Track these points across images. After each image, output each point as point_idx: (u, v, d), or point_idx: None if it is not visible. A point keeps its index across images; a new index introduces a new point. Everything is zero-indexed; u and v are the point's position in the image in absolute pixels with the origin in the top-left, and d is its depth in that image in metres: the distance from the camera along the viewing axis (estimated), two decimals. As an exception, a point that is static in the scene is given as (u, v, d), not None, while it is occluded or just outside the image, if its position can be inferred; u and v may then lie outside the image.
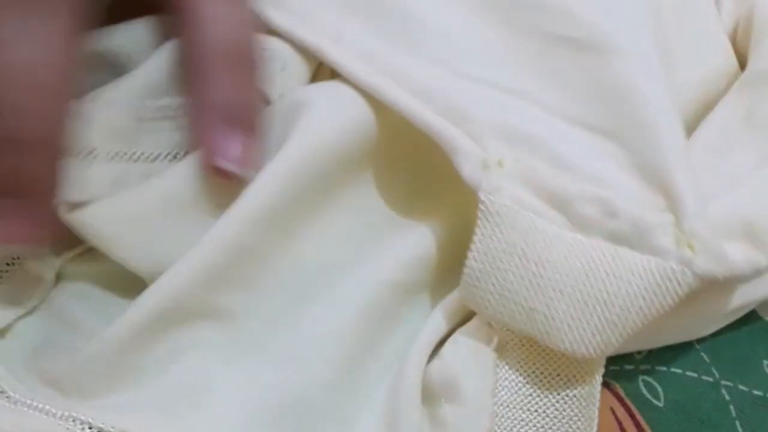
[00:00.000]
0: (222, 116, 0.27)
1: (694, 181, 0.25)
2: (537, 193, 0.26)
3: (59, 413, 0.25)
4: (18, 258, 0.28)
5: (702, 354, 0.29)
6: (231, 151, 0.27)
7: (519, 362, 0.27)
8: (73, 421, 0.25)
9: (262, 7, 0.29)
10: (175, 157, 0.28)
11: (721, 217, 0.26)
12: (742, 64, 0.32)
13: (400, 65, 0.28)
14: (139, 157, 0.28)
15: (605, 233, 0.25)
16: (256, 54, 0.28)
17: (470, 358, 0.27)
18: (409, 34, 0.29)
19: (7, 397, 0.26)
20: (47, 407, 0.26)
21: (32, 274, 0.29)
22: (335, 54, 0.28)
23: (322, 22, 0.29)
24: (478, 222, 0.26)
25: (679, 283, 0.25)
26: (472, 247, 0.26)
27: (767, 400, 0.28)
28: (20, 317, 0.28)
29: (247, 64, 0.28)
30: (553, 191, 0.26)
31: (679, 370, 0.28)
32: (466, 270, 0.26)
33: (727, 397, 0.28)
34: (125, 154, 0.27)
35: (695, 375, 0.28)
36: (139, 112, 0.28)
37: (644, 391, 0.28)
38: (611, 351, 0.25)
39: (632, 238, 0.25)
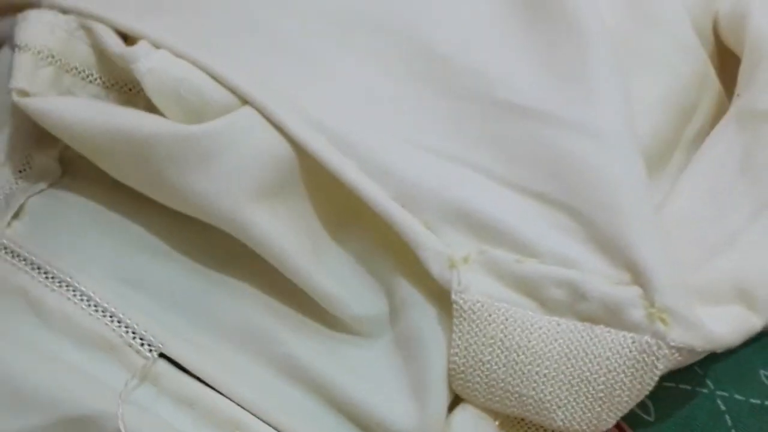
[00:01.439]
0: None
1: (663, 250, 0.26)
2: (506, 283, 0.27)
3: None
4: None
5: (695, 367, 0.29)
6: None
7: None
8: None
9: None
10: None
11: (712, 281, 0.27)
12: (726, 51, 0.32)
13: (347, 133, 0.28)
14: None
15: (578, 314, 0.26)
16: None
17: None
18: (348, 98, 0.29)
19: None
20: None
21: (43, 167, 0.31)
22: (278, 112, 0.28)
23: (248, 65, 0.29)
24: (455, 320, 0.27)
25: (656, 357, 0.25)
26: (453, 344, 0.27)
27: (765, 408, 0.29)
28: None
29: None
30: (521, 278, 0.27)
31: (671, 384, 0.29)
32: (450, 365, 0.27)
33: (723, 407, 0.29)
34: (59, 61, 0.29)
35: (689, 387, 0.29)
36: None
37: (635, 407, 0.29)
38: (606, 426, 0.26)
39: (605, 317, 0.26)
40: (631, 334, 0.25)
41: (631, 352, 0.25)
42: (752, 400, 0.28)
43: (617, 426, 0.28)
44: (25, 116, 0.29)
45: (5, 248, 0.30)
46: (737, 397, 0.28)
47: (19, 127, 0.30)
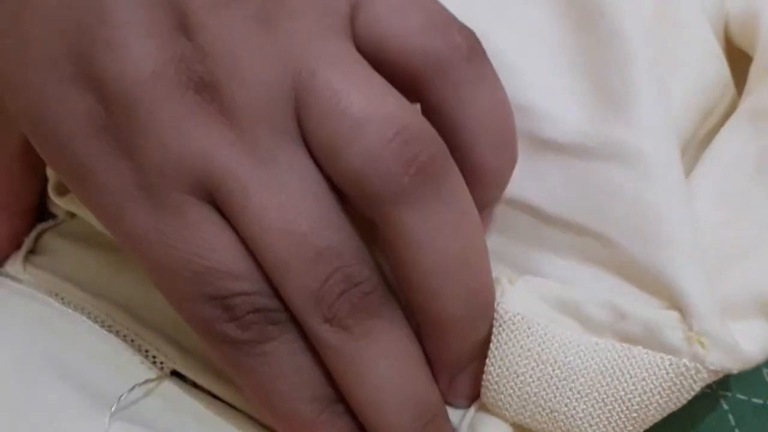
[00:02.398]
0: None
1: (700, 273, 0.26)
2: (549, 304, 0.27)
3: None
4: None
5: None
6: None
7: None
8: None
9: None
10: None
11: (732, 294, 0.27)
12: (738, 58, 0.32)
13: None
14: None
15: (617, 334, 0.26)
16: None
17: None
18: None
19: None
20: None
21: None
22: None
23: None
24: (494, 330, 0.27)
25: (693, 380, 0.26)
26: (489, 354, 0.27)
27: (767, 408, 0.29)
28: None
29: (511, 146, 0.28)
30: (563, 299, 0.27)
31: None
32: (485, 376, 0.27)
33: (726, 407, 0.29)
34: None
35: None
36: None
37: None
38: (632, 442, 0.27)
39: (644, 338, 0.26)
40: (669, 356, 0.26)
41: (668, 374, 0.26)
42: (755, 400, 0.29)
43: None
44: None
45: (22, 281, 0.31)
46: (740, 396, 0.29)
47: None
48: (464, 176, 0.26)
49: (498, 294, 0.27)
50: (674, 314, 0.26)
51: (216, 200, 0.25)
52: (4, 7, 0.25)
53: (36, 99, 0.25)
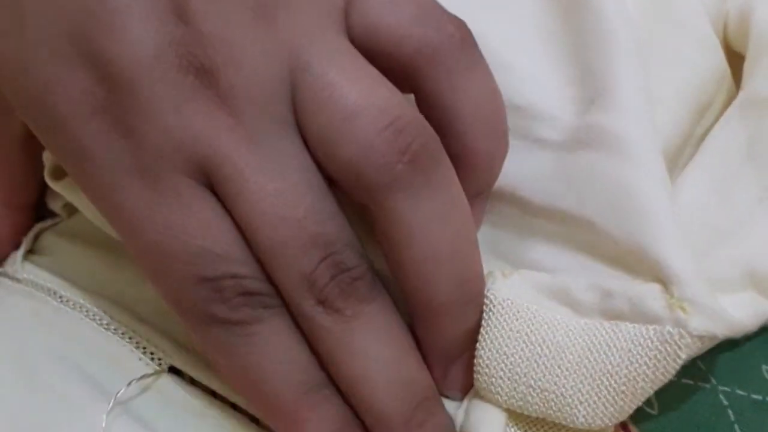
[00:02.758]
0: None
1: (680, 244, 0.27)
2: (538, 290, 0.28)
3: None
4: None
5: (698, 362, 0.29)
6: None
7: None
8: None
9: None
10: None
11: (722, 269, 0.27)
12: (733, 58, 0.33)
13: None
14: None
15: (605, 313, 0.27)
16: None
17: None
18: None
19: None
20: None
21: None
22: None
23: None
24: (484, 315, 0.28)
25: (678, 346, 0.26)
26: (480, 338, 0.28)
27: (767, 404, 0.28)
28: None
29: (503, 136, 0.29)
30: (553, 287, 0.28)
31: (674, 378, 0.28)
32: (476, 360, 0.28)
33: (725, 402, 0.28)
34: None
35: (691, 383, 0.28)
36: None
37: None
38: (625, 416, 0.27)
39: (630, 313, 0.27)
40: (653, 326, 0.26)
41: (653, 342, 0.26)
42: (754, 396, 0.28)
43: (621, 424, 0.28)
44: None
45: (21, 280, 0.32)
46: (739, 392, 0.28)
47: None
48: (457, 162, 0.27)
49: (489, 281, 0.28)
50: (656, 286, 0.27)
51: (213, 184, 0.25)
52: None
53: (34, 79, 0.25)
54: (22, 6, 0.25)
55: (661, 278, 0.27)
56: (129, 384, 0.29)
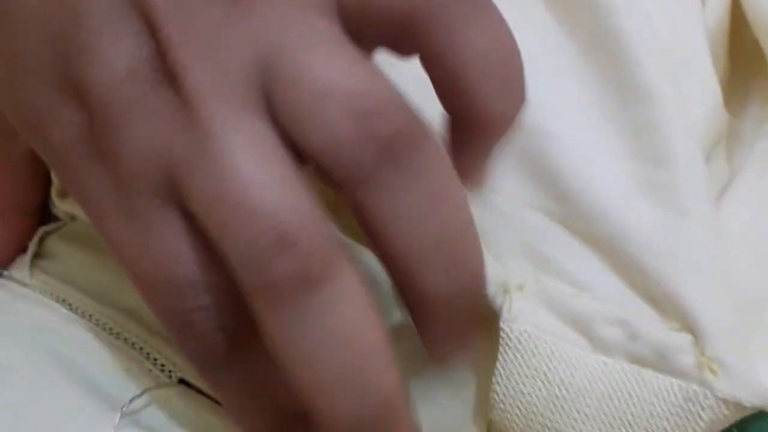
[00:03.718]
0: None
1: (718, 297, 0.26)
2: (559, 316, 0.27)
3: None
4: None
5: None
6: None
7: None
8: None
9: None
10: None
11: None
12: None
13: None
14: None
15: (627, 355, 0.26)
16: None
17: None
18: None
19: None
20: None
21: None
22: None
23: None
24: (500, 348, 0.27)
25: (701, 406, 0.25)
26: (495, 372, 0.27)
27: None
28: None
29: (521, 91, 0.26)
30: (574, 313, 0.27)
31: None
32: (491, 394, 0.27)
33: None
34: None
35: None
36: None
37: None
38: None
39: (654, 361, 0.26)
40: (678, 381, 0.25)
41: (676, 398, 0.25)
42: None
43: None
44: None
45: (30, 286, 0.32)
46: None
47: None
48: (470, 125, 0.25)
49: (506, 307, 0.27)
50: (687, 337, 0.26)
51: (180, 195, 0.24)
52: None
53: (27, 109, 0.25)
54: (13, 35, 0.25)
55: (693, 329, 0.26)
56: (136, 397, 0.28)
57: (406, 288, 0.25)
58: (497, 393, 0.27)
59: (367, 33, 0.25)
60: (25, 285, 0.32)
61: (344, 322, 0.23)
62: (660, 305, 0.27)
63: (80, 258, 0.32)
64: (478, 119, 0.25)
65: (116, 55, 0.23)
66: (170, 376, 0.29)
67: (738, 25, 0.32)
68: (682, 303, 0.26)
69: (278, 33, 0.23)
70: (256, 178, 0.23)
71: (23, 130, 0.26)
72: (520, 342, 0.27)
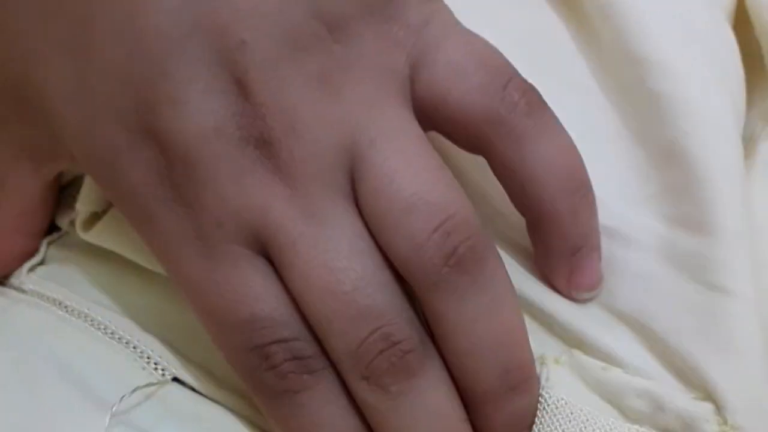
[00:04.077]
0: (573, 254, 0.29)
1: (738, 368, 0.28)
2: (591, 388, 0.29)
3: None
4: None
5: None
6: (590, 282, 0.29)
7: None
8: None
9: None
10: None
11: None
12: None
13: None
14: None
15: (656, 425, 0.28)
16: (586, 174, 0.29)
17: None
18: None
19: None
20: None
21: None
22: None
23: None
24: (538, 413, 0.29)
25: (724, 474, 0.27)
26: (533, 435, 0.29)
27: None
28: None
29: (584, 187, 0.29)
30: (605, 385, 0.29)
31: None
32: (528, 456, 0.29)
33: None
34: None
35: None
36: None
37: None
38: None
39: (680, 430, 0.28)
40: None
41: (701, 466, 0.28)
42: None
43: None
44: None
45: (27, 292, 0.32)
46: None
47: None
48: (540, 224, 0.28)
49: (544, 376, 0.29)
50: (709, 407, 0.28)
51: (268, 253, 0.26)
52: (70, 62, 0.26)
53: (102, 146, 0.26)
54: (90, 73, 0.26)
55: (714, 399, 0.28)
56: (126, 395, 0.28)
57: (461, 383, 0.28)
58: (534, 455, 0.29)
59: (432, 125, 0.28)
60: (22, 291, 0.32)
61: (436, 402, 0.27)
62: (685, 377, 0.29)
63: (79, 262, 0.32)
64: (549, 219, 0.29)
65: (203, 110, 0.25)
66: (164, 375, 0.30)
67: (742, 24, 0.33)
68: (704, 375, 0.28)
69: (366, 123, 0.26)
70: (362, 280, 0.26)
71: (94, 167, 0.27)
72: (557, 407, 0.29)
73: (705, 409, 0.28)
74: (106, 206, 0.31)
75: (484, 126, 0.28)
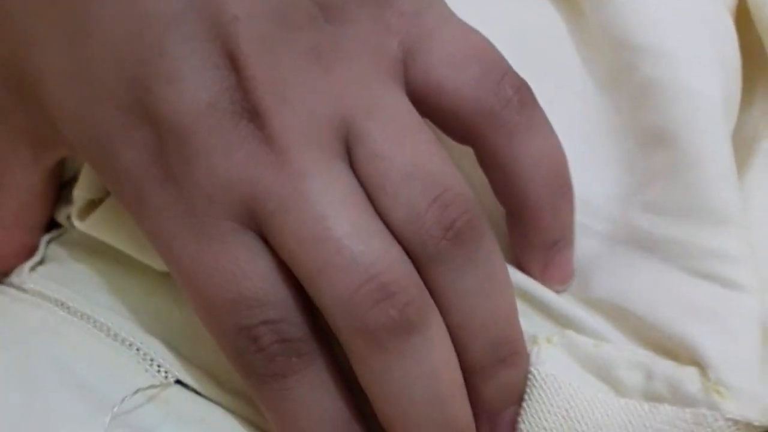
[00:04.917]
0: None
1: (720, 329, 0.28)
2: (583, 365, 0.29)
3: None
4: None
5: None
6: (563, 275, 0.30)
7: None
8: None
9: None
10: None
11: None
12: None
13: None
14: None
15: (645, 394, 0.28)
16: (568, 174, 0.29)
17: None
18: None
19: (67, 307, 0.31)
20: None
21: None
22: None
23: None
24: (527, 390, 0.29)
25: (712, 429, 0.27)
26: (522, 411, 0.29)
27: None
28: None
29: (566, 186, 0.30)
30: (597, 361, 0.29)
31: None
32: (517, 429, 0.29)
33: None
34: None
35: None
36: None
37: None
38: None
39: (669, 395, 0.28)
40: (690, 409, 0.28)
41: (688, 425, 0.27)
42: None
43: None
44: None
45: (28, 291, 0.32)
46: None
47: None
48: (522, 218, 0.29)
49: (534, 354, 0.29)
50: (693, 369, 0.28)
51: (259, 225, 0.26)
52: (68, 46, 0.27)
53: (97, 129, 0.26)
54: (84, 55, 0.26)
55: (699, 362, 0.28)
56: (128, 396, 0.28)
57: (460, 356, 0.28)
58: (521, 430, 0.29)
59: (422, 112, 0.28)
60: (23, 290, 0.32)
61: (434, 364, 0.26)
62: (666, 349, 0.29)
63: (80, 261, 0.32)
64: (531, 214, 0.29)
65: (197, 86, 0.25)
66: (166, 377, 0.30)
67: (743, 22, 0.34)
68: (687, 341, 0.28)
69: (360, 99, 0.26)
70: (354, 226, 0.25)
71: (84, 143, 0.27)
72: (545, 383, 0.29)
73: (689, 371, 0.28)
74: (104, 194, 0.32)
75: (477, 118, 0.28)
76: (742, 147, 0.32)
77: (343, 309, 0.25)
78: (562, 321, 0.30)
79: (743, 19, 0.34)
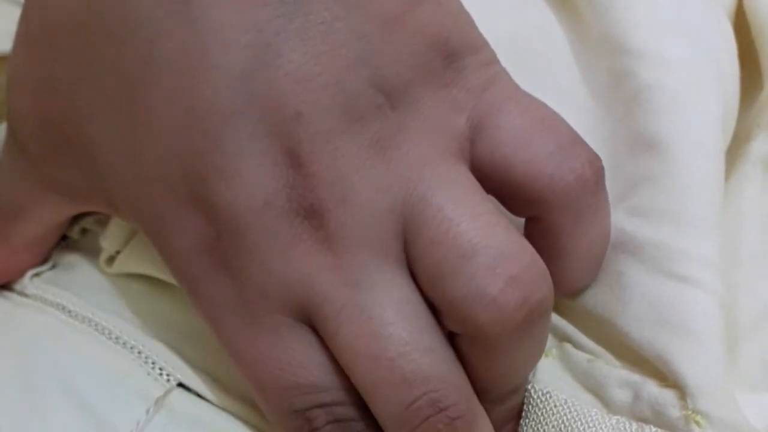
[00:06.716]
0: None
1: (702, 352, 0.28)
2: (576, 379, 0.31)
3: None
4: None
5: None
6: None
7: None
8: None
9: None
10: None
11: (747, 367, 0.29)
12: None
13: None
14: None
15: (633, 415, 0.29)
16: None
17: None
18: None
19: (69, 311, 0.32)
20: None
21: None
22: None
23: None
24: (525, 406, 0.31)
25: (692, 457, 0.29)
26: (519, 428, 0.31)
27: None
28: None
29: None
30: (590, 377, 0.30)
31: None
32: (515, 447, 0.31)
33: None
34: None
35: None
36: None
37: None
38: None
39: (653, 418, 0.29)
40: None
41: (671, 448, 0.29)
42: None
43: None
44: None
45: (30, 296, 0.33)
46: None
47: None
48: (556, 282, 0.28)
49: (530, 371, 0.31)
50: (671, 394, 0.29)
51: (313, 323, 0.26)
52: (125, 120, 0.26)
53: (152, 207, 0.26)
54: (142, 135, 0.26)
55: (678, 385, 0.29)
56: (142, 420, 0.29)
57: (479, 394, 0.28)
58: (520, 445, 0.31)
59: (488, 189, 0.27)
60: (25, 295, 0.32)
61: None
62: (650, 368, 0.30)
63: (82, 267, 0.33)
64: (564, 287, 0.29)
65: (254, 183, 0.25)
66: (169, 380, 0.30)
67: (740, 26, 0.33)
68: (667, 363, 0.29)
69: (419, 179, 0.25)
70: (407, 345, 0.25)
71: (142, 224, 0.27)
72: (541, 400, 0.31)
73: (671, 395, 0.29)
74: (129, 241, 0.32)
75: (547, 194, 0.27)
76: (734, 146, 0.32)
77: (394, 422, 0.26)
78: (560, 334, 0.32)
79: (742, 21, 0.33)
